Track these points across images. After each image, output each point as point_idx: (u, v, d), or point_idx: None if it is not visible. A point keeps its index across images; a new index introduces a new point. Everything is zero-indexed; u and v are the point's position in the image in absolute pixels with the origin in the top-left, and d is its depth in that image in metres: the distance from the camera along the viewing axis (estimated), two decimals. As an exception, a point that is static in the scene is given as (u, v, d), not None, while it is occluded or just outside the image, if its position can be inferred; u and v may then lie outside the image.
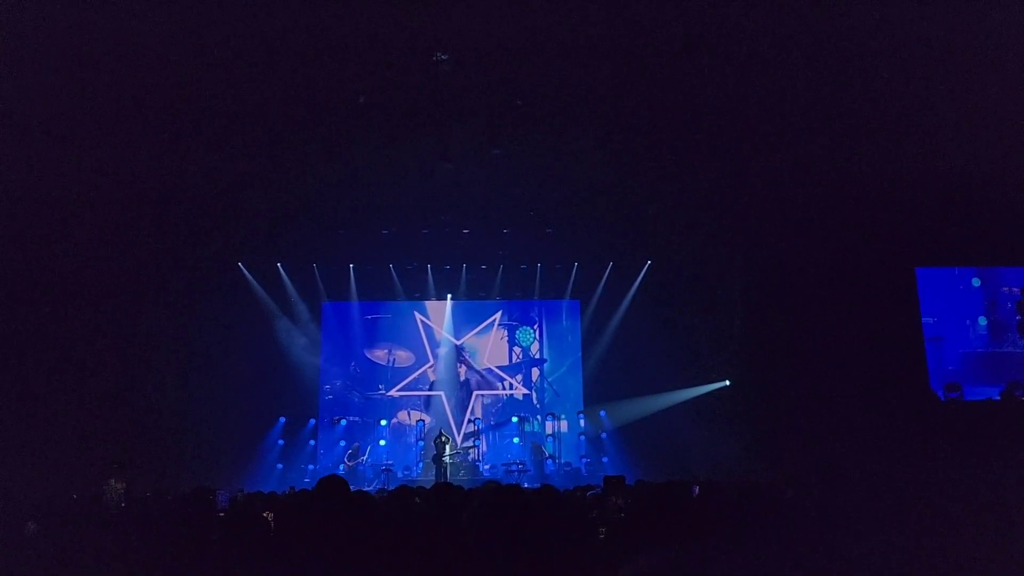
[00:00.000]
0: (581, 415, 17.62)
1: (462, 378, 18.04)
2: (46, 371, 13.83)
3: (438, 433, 15.64)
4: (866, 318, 14.48)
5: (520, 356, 18.26)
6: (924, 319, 15.85)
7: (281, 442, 16.46)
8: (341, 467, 16.51)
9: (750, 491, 6.88)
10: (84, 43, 9.42)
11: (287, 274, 16.82)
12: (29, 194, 12.19)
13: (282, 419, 16.51)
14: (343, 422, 17.25)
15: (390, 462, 16.50)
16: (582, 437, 17.41)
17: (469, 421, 17.68)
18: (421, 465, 16.63)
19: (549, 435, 17.43)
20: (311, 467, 16.58)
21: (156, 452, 13.87)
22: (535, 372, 18.23)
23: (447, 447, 15.32)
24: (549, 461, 17.01)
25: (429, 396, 17.80)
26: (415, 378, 17.87)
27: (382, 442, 17.12)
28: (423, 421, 17.49)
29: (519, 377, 18.17)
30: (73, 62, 9.78)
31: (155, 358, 15.23)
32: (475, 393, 17.94)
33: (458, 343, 18.12)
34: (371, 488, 13.89)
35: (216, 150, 12.01)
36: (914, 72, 10.54)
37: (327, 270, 17.16)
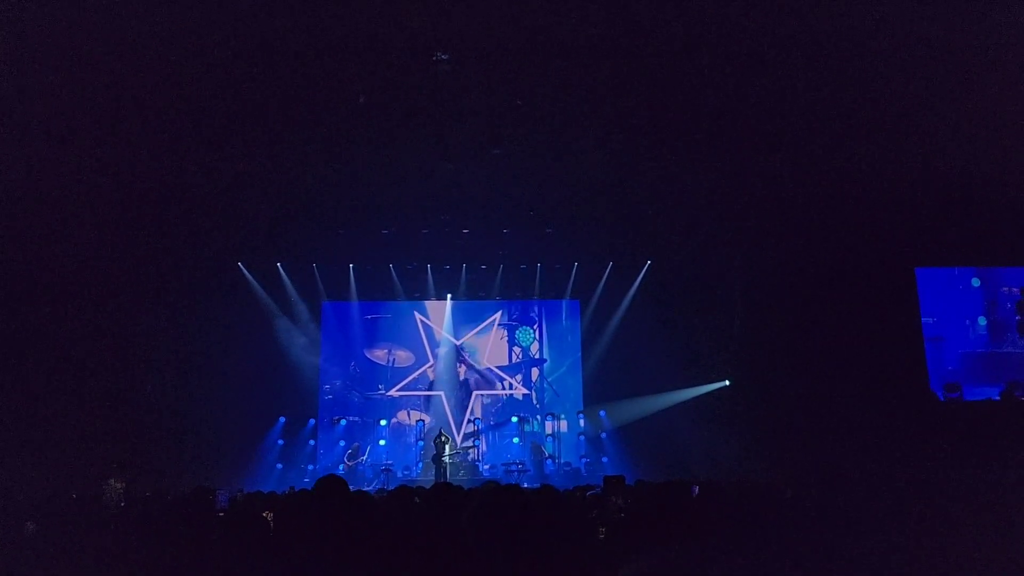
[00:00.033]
0: (581, 415, 17.62)
1: (462, 378, 18.04)
2: (46, 371, 13.83)
3: (438, 433, 15.64)
4: (866, 318, 14.49)
5: (520, 356, 18.27)
6: (924, 319, 15.86)
7: (281, 442, 16.46)
8: (341, 467, 16.50)
9: (750, 491, 6.88)
10: (84, 43, 9.42)
11: (287, 274, 16.82)
12: (29, 194, 12.19)
13: (282, 419, 16.51)
14: (343, 422, 17.25)
15: (390, 462, 16.50)
16: (582, 437, 17.41)
17: (469, 421, 17.68)
18: (421, 465, 16.63)
19: (549, 435, 17.43)
20: (311, 467, 16.58)
21: (156, 452, 13.87)
22: (535, 372, 18.23)
23: (447, 447, 15.32)
24: (549, 461, 17.01)
25: (429, 396, 17.80)
26: (415, 378, 17.86)
27: (382, 442, 17.12)
28: (423, 421, 17.49)
29: (519, 377, 18.18)
30: (73, 62, 9.77)
31: (155, 358, 15.23)
32: (475, 393, 17.94)
33: (458, 343, 18.12)
34: (371, 488, 13.90)
35: (216, 150, 12.00)
36: (914, 72, 10.54)
37: (327, 270, 17.15)
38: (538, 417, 17.80)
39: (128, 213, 13.46)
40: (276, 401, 16.44)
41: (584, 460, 17.04)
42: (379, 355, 17.94)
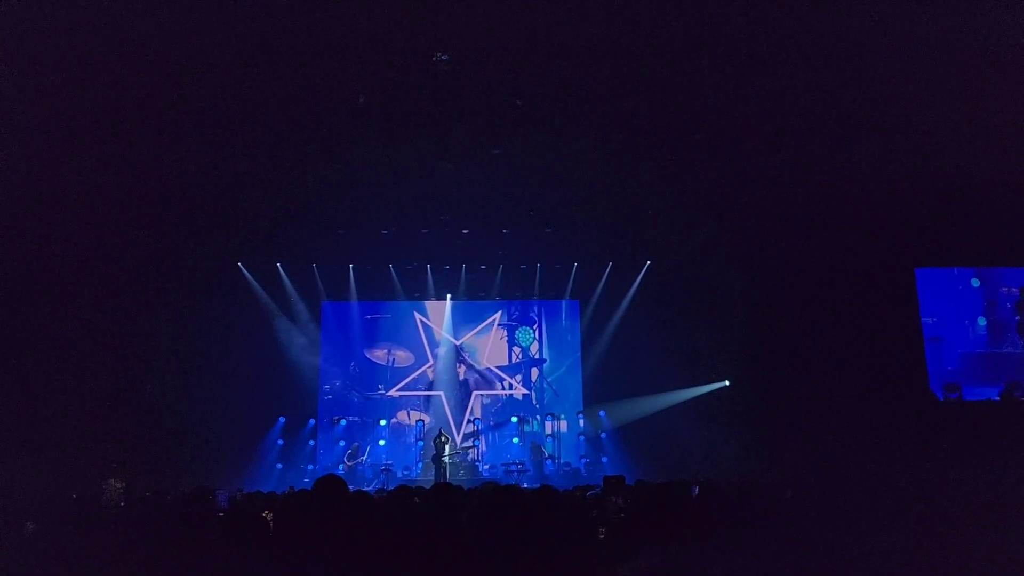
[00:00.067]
0: (580, 415, 17.62)
1: (461, 378, 18.04)
2: (46, 371, 13.82)
3: (437, 433, 15.63)
4: (866, 318, 14.48)
5: (520, 356, 18.27)
6: (923, 319, 15.85)
7: (281, 442, 16.45)
8: (340, 467, 16.49)
9: (750, 491, 6.88)
10: (84, 43, 9.43)
11: (287, 274, 16.82)
12: (29, 194, 12.18)
13: (282, 419, 16.50)
14: (342, 422, 17.24)
15: (389, 462, 16.50)
16: (581, 437, 17.41)
17: (468, 421, 17.68)
18: (420, 465, 16.63)
19: (548, 435, 17.43)
20: (310, 467, 16.57)
21: (156, 452, 13.86)
22: (534, 372, 18.23)
23: (446, 447, 15.32)
24: (548, 461, 17.00)
25: (428, 396, 17.80)
26: (414, 378, 17.86)
27: (381, 442, 17.11)
28: (422, 421, 17.49)
29: (518, 377, 18.17)
30: (73, 62, 9.78)
31: (155, 358, 15.23)
32: (474, 393, 17.94)
33: (458, 343, 18.12)
34: (370, 488, 13.89)
35: (216, 150, 12.01)
36: (914, 73, 10.55)
37: (327, 270, 17.15)
38: (538, 417, 17.80)
39: (128, 213, 13.46)
40: (276, 401, 16.43)
41: (584, 460, 17.04)
42: (379, 355, 17.94)
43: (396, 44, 9.81)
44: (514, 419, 17.65)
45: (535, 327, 18.37)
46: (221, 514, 5.41)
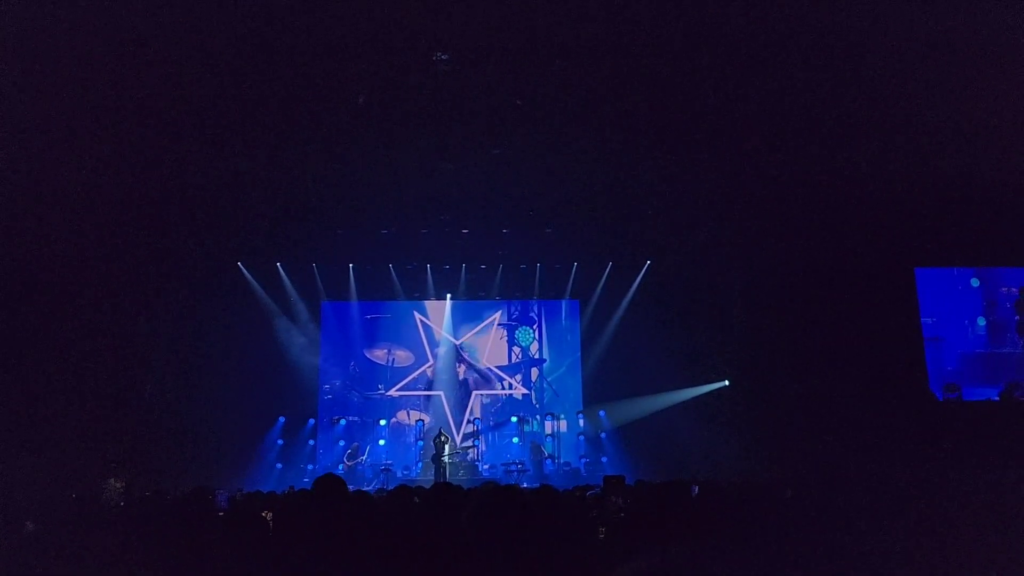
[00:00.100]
0: (580, 415, 17.62)
1: (461, 377, 18.04)
2: (46, 371, 13.82)
3: (437, 433, 15.64)
4: (865, 318, 14.48)
5: (519, 356, 18.27)
6: (923, 319, 15.85)
7: (280, 442, 16.45)
8: (340, 467, 16.49)
9: (750, 491, 6.88)
10: (84, 43, 9.42)
11: (286, 274, 16.82)
12: (29, 194, 12.18)
13: (281, 419, 16.50)
14: (342, 422, 17.24)
15: (389, 462, 16.50)
16: (581, 437, 17.41)
17: (468, 421, 17.68)
18: (420, 465, 16.63)
19: (548, 435, 17.43)
20: (310, 467, 16.57)
21: (156, 452, 13.87)
22: (534, 372, 18.23)
23: (446, 447, 15.32)
24: (548, 461, 17.01)
25: (428, 396, 17.81)
26: (414, 378, 17.86)
27: (381, 442, 17.12)
28: (422, 421, 17.49)
29: (518, 377, 18.17)
30: (73, 62, 9.77)
31: (155, 358, 15.23)
32: (474, 393, 17.94)
33: (457, 343, 18.12)
34: (370, 488, 13.89)
35: (216, 150, 12.01)
36: (914, 73, 10.54)
37: (326, 270, 17.15)
38: (537, 417, 17.80)
39: (128, 213, 13.46)
40: (276, 401, 16.44)
41: (583, 460, 17.04)
42: (379, 355, 17.94)
43: (396, 44, 9.80)
44: (514, 419, 17.65)
45: (535, 327, 18.38)
46: (221, 514, 5.41)
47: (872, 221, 14.01)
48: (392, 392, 17.67)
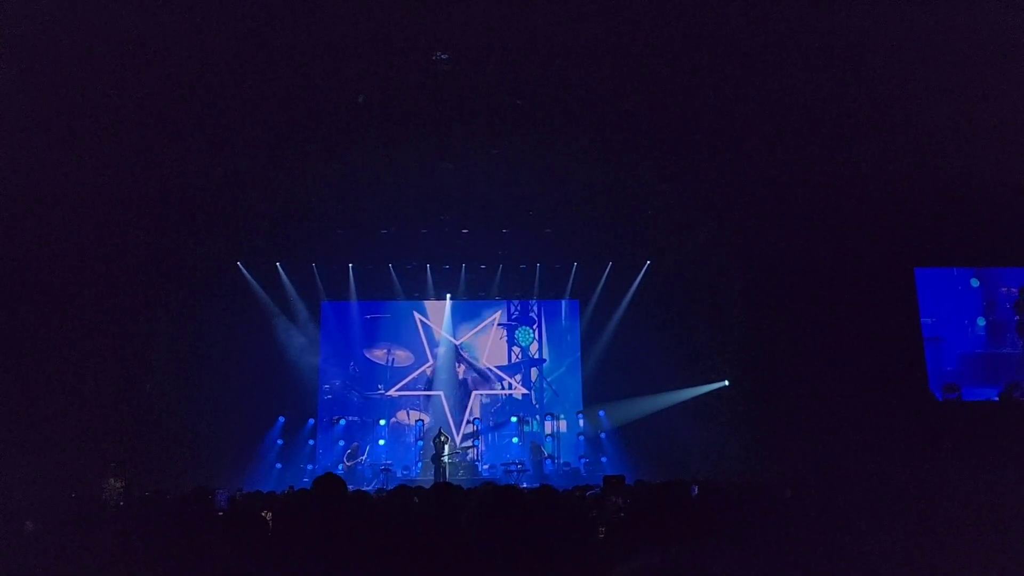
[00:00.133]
0: (580, 415, 17.63)
1: (461, 377, 18.04)
2: (46, 371, 13.82)
3: (437, 433, 15.64)
4: (865, 318, 14.48)
5: (519, 356, 18.27)
6: (923, 319, 15.85)
7: (280, 442, 16.46)
8: (340, 467, 16.50)
9: (750, 491, 6.88)
10: (84, 43, 9.42)
11: (286, 274, 16.83)
12: (29, 194, 12.18)
13: (281, 419, 16.51)
14: (342, 422, 17.25)
15: (389, 462, 16.50)
16: (581, 437, 17.42)
17: (468, 421, 17.68)
18: (420, 465, 16.64)
19: (548, 435, 17.44)
20: (310, 467, 16.58)
21: (156, 452, 13.87)
22: (534, 372, 18.24)
23: (446, 447, 15.33)
24: (548, 461, 17.01)
25: (428, 396, 17.81)
26: (414, 378, 17.87)
27: (381, 442, 17.12)
28: (422, 421, 17.49)
29: (518, 377, 18.18)
30: (73, 62, 9.77)
31: (155, 358, 15.23)
32: (474, 393, 17.95)
33: (457, 343, 18.12)
34: (370, 488, 13.90)
35: (216, 150, 12.00)
36: (914, 73, 10.54)
37: (326, 270, 17.16)
38: (537, 417, 17.81)
39: (128, 213, 13.45)
40: (275, 401, 16.45)
41: (583, 460, 17.05)
42: (378, 355, 17.95)
43: (396, 44, 9.80)
44: (514, 419, 17.66)
45: (535, 327, 18.38)
46: (221, 514, 5.41)
47: (872, 221, 14.00)
48: (392, 392, 17.68)
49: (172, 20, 9.08)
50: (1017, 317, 16.11)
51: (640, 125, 11.92)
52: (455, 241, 16.07)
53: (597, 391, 17.40)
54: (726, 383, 16.06)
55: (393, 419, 17.63)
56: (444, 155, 12.31)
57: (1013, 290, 16.25)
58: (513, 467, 16.20)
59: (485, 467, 16.79)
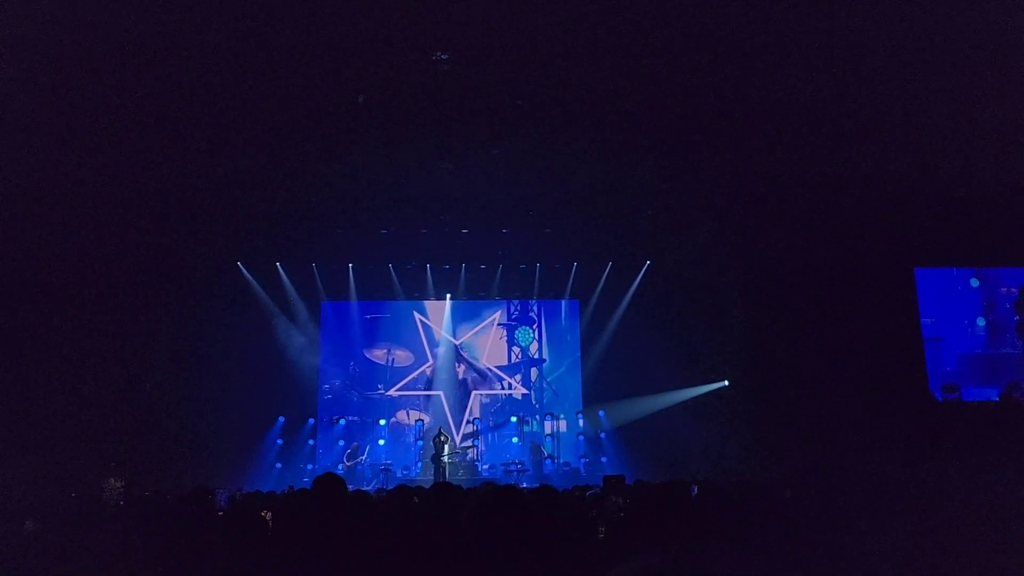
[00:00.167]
0: (580, 415, 17.63)
1: (460, 377, 18.05)
2: (46, 371, 13.83)
3: (437, 433, 15.65)
4: (865, 318, 14.49)
5: (519, 356, 18.27)
6: (923, 320, 15.85)
7: (280, 441, 16.47)
8: (340, 466, 16.51)
9: (749, 491, 6.89)
10: (84, 42, 9.42)
11: (286, 274, 16.83)
12: (29, 194, 12.18)
13: (281, 418, 16.52)
14: (342, 422, 17.26)
15: (389, 462, 16.51)
16: (581, 437, 17.42)
17: (468, 421, 17.68)
18: (420, 465, 16.64)
19: (548, 435, 17.44)
20: (310, 466, 16.59)
21: (156, 452, 13.88)
22: (534, 372, 18.24)
23: (446, 447, 15.33)
24: (548, 461, 17.02)
25: (428, 396, 17.81)
26: (414, 378, 17.87)
27: (381, 442, 17.13)
28: (422, 421, 17.50)
29: (518, 377, 18.18)
30: (73, 62, 9.77)
31: (155, 358, 15.23)
32: (474, 393, 17.95)
33: (457, 343, 18.12)
34: (370, 488, 13.90)
35: (216, 150, 12.00)
36: (914, 73, 10.54)
37: (326, 270, 17.16)
38: (537, 417, 17.81)
39: (128, 213, 13.46)
40: (275, 401, 16.46)
41: (583, 460, 17.05)
42: (378, 355, 17.95)
43: (396, 44, 9.79)
44: (513, 419, 17.67)
45: (535, 327, 18.38)
46: (221, 513, 5.41)
47: (872, 221, 14.01)
48: (392, 392, 17.68)
49: (172, 20, 9.08)
50: (1017, 317, 16.11)
51: (640, 125, 11.91)
52: (455, 241, 16.07)
53: (597, 391, 17.40)
54: (726, 383, 16.07)
55: (393, 419, 17.64)
56: (444, 155, 12.30)
57: (1013, 290, 16.25)
58: (513, 467, 16.20)
59: (485, 467, 16.80)
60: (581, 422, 17.58)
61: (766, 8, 9.26)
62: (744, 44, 9.97)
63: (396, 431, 17.59)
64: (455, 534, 2.96)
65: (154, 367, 15.22)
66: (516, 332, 18.37)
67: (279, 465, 16.22)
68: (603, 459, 16.75)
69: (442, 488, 4.06)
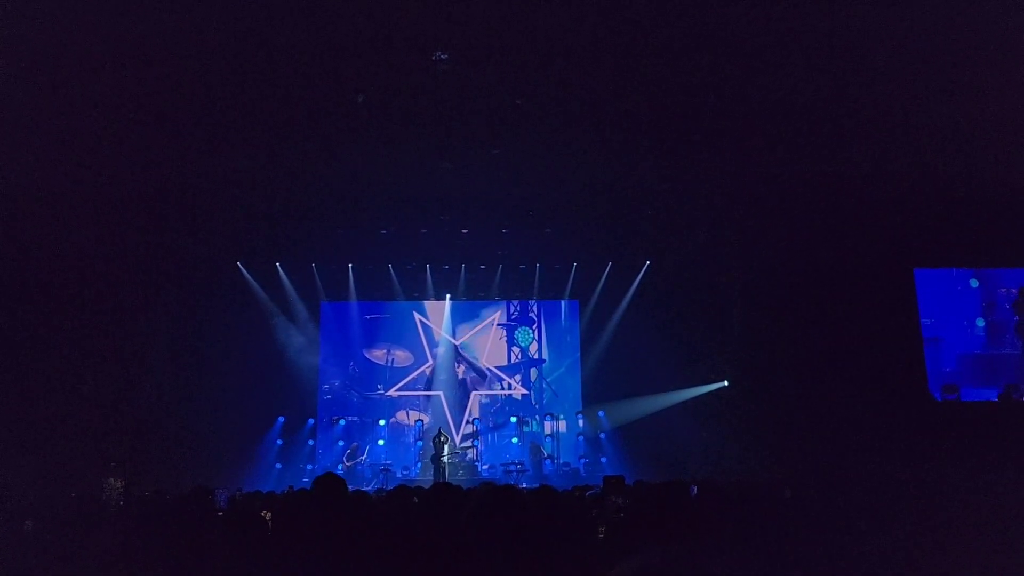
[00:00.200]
0: (580, 415, 17.62)
1: (460, 378, 18.04)
2: (45, 371, 13.82)
3: (437, 433, 15.64)
4: (864, 319, 14.49)
5: (519, 356, 18.27)
6: (922, 320, 15.85)
7: (280, 442, 16.46)
8: (340, 467, 16.50)
9: (749, 491, 6.89)
10: (84, 42, 9.42)
11: (286, 274, 16.82)
12: (29, 194, 12.18)
13: (281, 419, 16.51)
14: (342, 422, 17.25)
15: (388, 462, 16.50)
16: (580, 437, 17.41)
17: (467, 421, 17.67)
18: (419, 465, 16.64)
19: (548, 435, 17.43)
20: (310, 467, 16.58)
21: (156, 452, 13.87)
22: (534, 372, 18.23)
23: (445, 447, 15.33)
24: (547, 461, 17.01)
25: (428, 396, 17.81)
26: (414, 378, 17.87)
27: (380, 442, 17.12)
28: (421, 421, 17.49)
29: (518, 377, 18.17)
30: (73, 62, 9.77)
31: (154, 358, 15.23)
32: (473, 393, 17.95)
33: (457, 343, 18.12)
34: (369, 488, 13.90)
35: (216, 150, 12.00)
36: (913, 73, 10.54)
37: (326, 270, 17.16)
38: (537, 417, 17.81)
39: (128, 213, 13.46)
40: (275, 401, 16.45)
41: (583, 460, 17.05)
42: (378, 355, 17.95)
43: (396, 44, 9.80)
44: (513, 419, 17.66)
45: (534, 327, 18.38)
46: (220, 513, 5.41)
47: (872, 222, 14.01)
48: (391, 392, 17.68)
49: (172, 20, 9.08)
50: (1016, 318, 16.11)
51: (640, 125, 11.92)
52: (455, 241, 16.07)
53: (597, 391, 17.40)
54: (725, 383, 16.07)
55: (393, 419, 17.63)
56: (444, 155, 12.31)
57: (1012, 291, 16.25)
58: (512, 467, 16.20)
59: (484, 467, 16.79)
60: (581, 422, 17.57)
61: (766, 8, 9.26)
62: (744, 44, 9.98)
63: (396, 431, 17.59)
64: (455, 534, 2.96)
65: (154, 367, 15.21)
66: (516, 332, 18.36)
67: (279, 465, 16.21)
68: (603, 459, 16.74)
69: (442, 488, 4.06)
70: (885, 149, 12.23)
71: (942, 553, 3.61)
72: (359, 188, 13.80)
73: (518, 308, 18.43)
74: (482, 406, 17.94)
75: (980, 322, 16.24)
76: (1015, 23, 9.52)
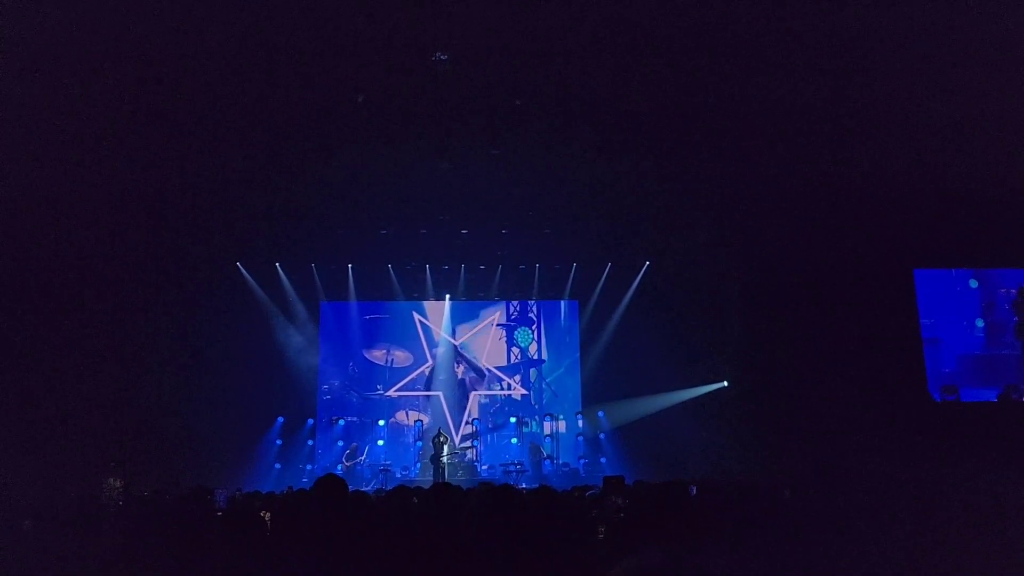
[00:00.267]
0: (579, 416, 17.62)
1: (460, 378, 18.04)
2: (45, 371, 13.82)
3: (436, 433, 15.64)
4: (864, 319, 14.50)
5: (518, 356, 18.26)
6: (921, 321, 15.84)
7: (279, 442, 16.45)
8: (339, 467, 16.49)
9: (748, 491, 6.89)
10: (84, 42, 9.42)
11: (285, 274, 16.82)
12: (29, 194, 12.18)
13: (280, 419, 16.50)
14: (341, 422, 17.24)
15: (388, 462, 16.50)
16: (580, 438, 17.41)
17: (467, 422, 17.67)
18: (419, 465, 16.63)
19: (547, 435, 17.42)
20: (309, 467, 16.57)
21: (155, 452, 13.85)
22: (533, 372, 18.23)
23: (445, 447, 15.32)
24: (547, 462, 17.00)
25: (427, 396, 17.80)
26: (413, 378, 17.86)
27: (380, 442, 17.12)
28: (421, 421, 17.48)
29: (517, 377, 18.17)
30: (73, 62, 9.77)
31: (153, 358, 15.22)
32: (473, 393, 17.94)
33: (456, 343, 18.12)
34: (369, 488, 13.89)
35: (215, 149, 12.00)
36: (913, 73, 10.55)
37: (325, 270, 17.15)
38: (536, 418, 17.80)
39: (127, 213, 13.46)
40: (274, 401, 16.44)
41: (582, 461, 17.04)
42: (377, 355, 17.94)
43: (396, 44, 9.80)
44: (513, 419, 17.65)
45: (534, 327, 18.37)
46: (220, 514, 5.41)
47: (871, 222, 14.01)
48: (391, 392, 17.67)
49: (172, 20, 9.09)
50: (1016, 318, 16.11)
51: (640, 125, 11.92)
52: (454, 241, 16.07)
53: (596, 392, 17.39)
54: (725, 384, 16.07)
55: (392, 419, 17.63)
56: (444, 155, 12.31)
57: (1012, 291, 16.24)
58: (512, 468, 16.19)
59: (484, 468, 16.78)
60: (580, 423, 17.57)
61: (766, 8, 9.27)
62: (744, 44, 9.99)
63: (395, 432, 17.58)
64: (454, 535, 2.96)
65: (154, 367, 15.20)
66: (515, 332, 18.36)
67: (278, 465, 16.20)
68: (602, 460, 16.74)
69: (441, 489, 4.06)
70: (885, 149, 12.23)
71: (942, 553, 3.61)
72: (359, 188, 13.80)
73: (518, 308, 18.42)
74: (481, 406, 17.94)
75: (979, 323, 16.24)
76: (1015, 23, 9.52)
